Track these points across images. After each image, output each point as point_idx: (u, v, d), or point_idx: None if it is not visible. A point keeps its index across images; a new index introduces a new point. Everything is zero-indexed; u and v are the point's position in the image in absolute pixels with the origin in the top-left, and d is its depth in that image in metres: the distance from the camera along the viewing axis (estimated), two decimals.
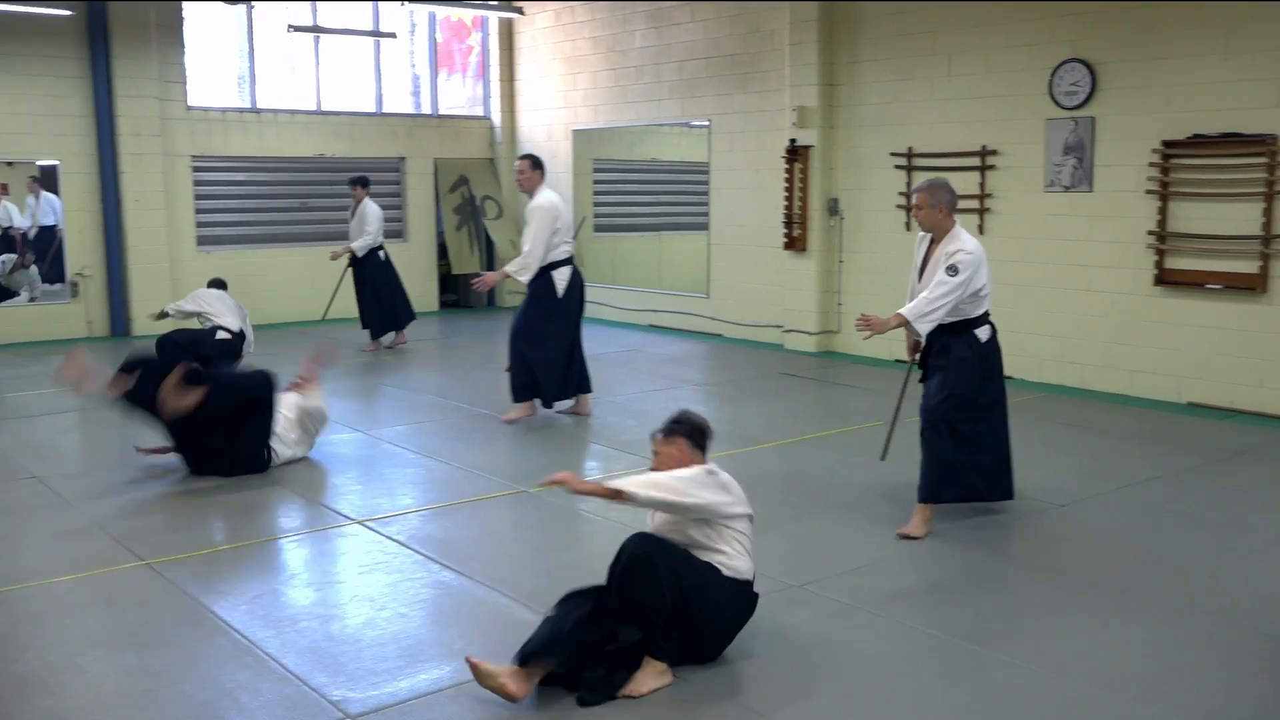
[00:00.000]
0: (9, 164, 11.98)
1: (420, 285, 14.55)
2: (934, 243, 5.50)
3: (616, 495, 3.84)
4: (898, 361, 10.58)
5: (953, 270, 5.28)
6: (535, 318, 7.97)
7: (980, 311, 5.51)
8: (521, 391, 8.04)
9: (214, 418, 6.38)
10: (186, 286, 12.80)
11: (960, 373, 5.47)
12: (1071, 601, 4.67)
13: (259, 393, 6.68)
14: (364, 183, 11.36)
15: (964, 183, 9.86)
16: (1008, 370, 9.59)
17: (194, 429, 6.40)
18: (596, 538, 5.59)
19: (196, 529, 5.72)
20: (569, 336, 8.03)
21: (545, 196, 7.85)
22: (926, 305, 5.30)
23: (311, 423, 6.97)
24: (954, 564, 5.13)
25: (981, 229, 9.76)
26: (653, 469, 4.08)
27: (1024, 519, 5.75)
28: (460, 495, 6.26)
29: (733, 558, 3.99)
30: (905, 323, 5.33)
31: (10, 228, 12.32)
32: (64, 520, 5.78)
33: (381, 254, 11.41)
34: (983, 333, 5.53)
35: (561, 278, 7.92)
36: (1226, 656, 4.14)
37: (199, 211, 12.95)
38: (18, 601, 4.66)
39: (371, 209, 11.26)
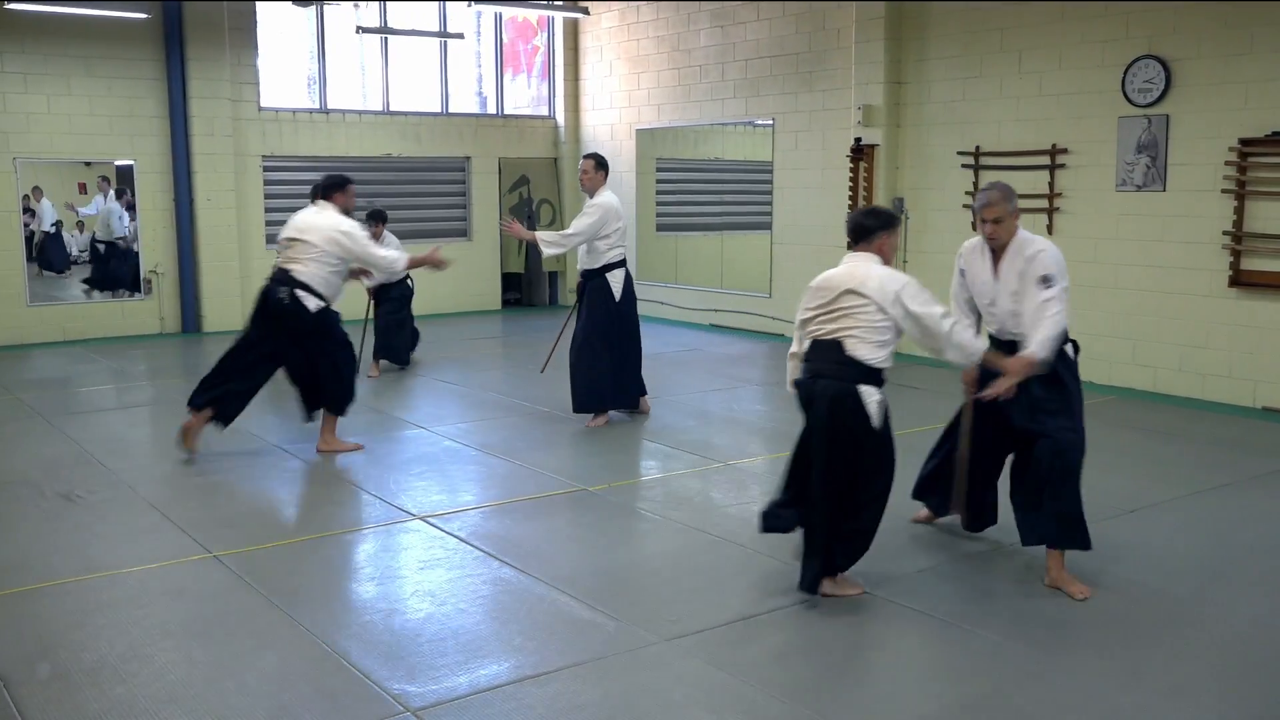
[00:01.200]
0: (87, 164, 12.28)
1: (484, 283, 14.70)
2: (997, 254, 4.92)
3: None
4: None
5: (1047, 281, 4.72)
6: (596, 325, 7.95)
7: None
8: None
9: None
10: (256, 284, 13.04)
11: (1066, 397, 4.82)
12: (1136, 612, 4.56)
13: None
14: (382, 218, 10.26)
15: (1033, 182, 9.71)
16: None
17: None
18: (655, 536, 5.60)
19: (263, 522, 5.82)
20: (628, 342, 8.02)
21: (606, 197, 7.86)
22: (1052, 330, 4.66)
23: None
24: (1017, 570, 5.04)
25: (1051, 229, 9.60)
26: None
27: (1091, 525, 5.62)
28: (520, 493, 6.29)
29: None
30: (1035, 363, 4.68)
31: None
32: (135, 512, 5.91)
33: (410, 282, 10.36)
34: (1069, 349, 4.92)
35: (617, 280, 7.92)
36: None
37: (269, 210, 13.17)
38: (89, 591, 4.77)
39: (390, 240, 10.04)
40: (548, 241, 7.89)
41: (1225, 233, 8.49)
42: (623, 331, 7.96)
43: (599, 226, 7.74)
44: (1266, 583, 4.87)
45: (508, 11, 14.59)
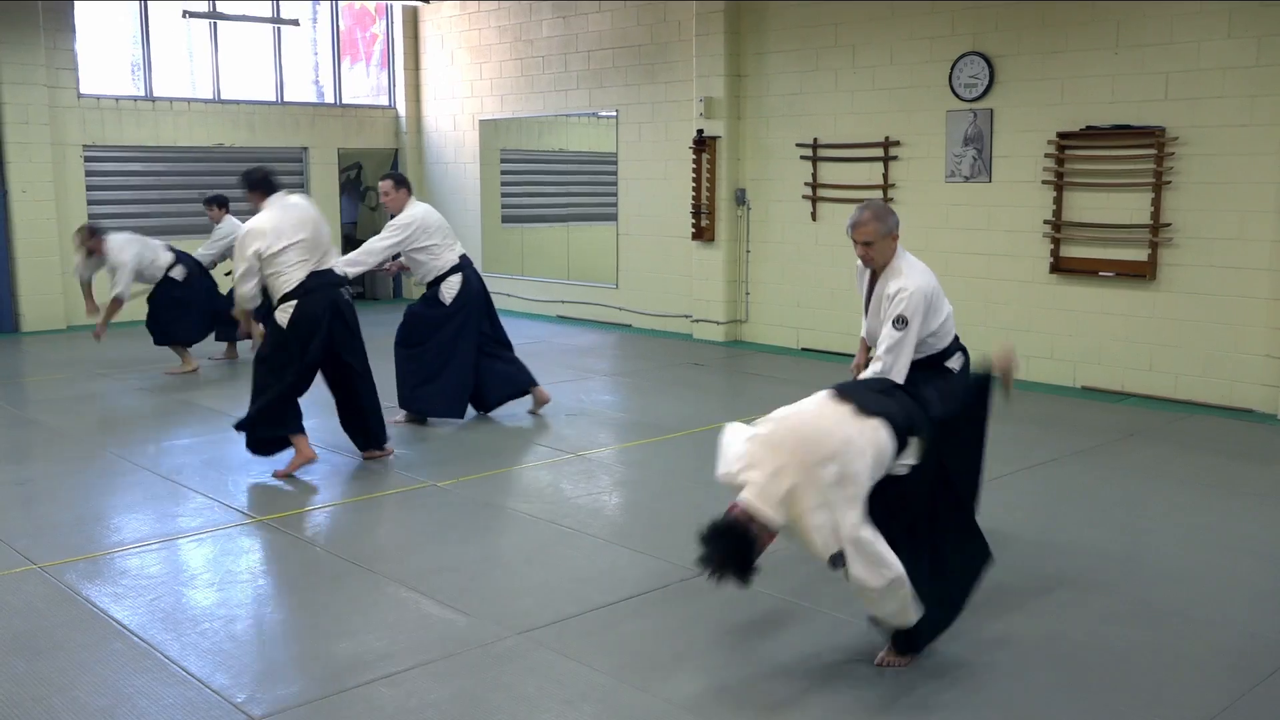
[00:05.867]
0: None
1: None
2: (874, 275, 4.70)
3: None
4: (804, 350, 10.72)
5: (901, 322, 4.47)
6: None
7: (946, 344, 4.79)
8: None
9: None
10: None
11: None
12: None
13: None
14: (221, 202, 10.13)
15: (868, 173, 10.03)
16: None
17: None
18: (505, 529, 5.57)
19: (91, 531, 5.54)
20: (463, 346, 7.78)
21: (412, 211, 7.54)
22: (891, 369, 4.45)
23: None
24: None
25: None
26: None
27: None
28: (367, 491, 6.17)
29: None
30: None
31: None
32: None
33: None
34: (954, 362, 4.83)
35: (450, 288, 7.70)
36: (1118, 631, 4.28)
37: (92, 203, 12.54)
38: None
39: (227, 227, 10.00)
40: (347, 262, 7.37)
41: (1046, 221, 8.94)
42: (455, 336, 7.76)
43: (404, 245, 7.49)
44: (1089, 552, 5.15)
45: None
